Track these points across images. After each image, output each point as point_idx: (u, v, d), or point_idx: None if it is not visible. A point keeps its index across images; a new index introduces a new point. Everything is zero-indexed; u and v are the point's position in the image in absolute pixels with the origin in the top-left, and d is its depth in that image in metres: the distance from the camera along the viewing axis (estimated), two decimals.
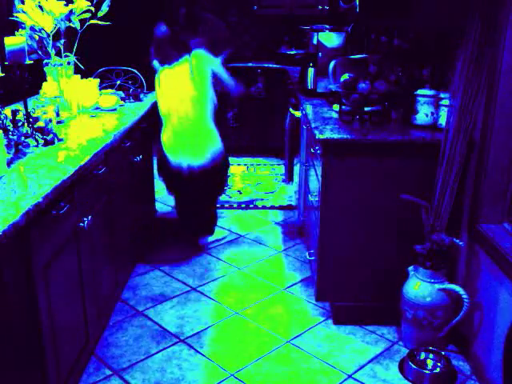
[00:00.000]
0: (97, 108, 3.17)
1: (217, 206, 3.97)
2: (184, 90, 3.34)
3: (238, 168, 5.56)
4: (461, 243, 2.41)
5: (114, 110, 3.19)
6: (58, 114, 2.74)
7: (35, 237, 1.74)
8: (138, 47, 5.75)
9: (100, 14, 3.01)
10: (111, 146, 2.55)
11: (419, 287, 2.45)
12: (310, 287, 3.14)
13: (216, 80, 3.43)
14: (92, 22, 2.99)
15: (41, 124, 2.38)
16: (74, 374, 2.20)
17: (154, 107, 3.59)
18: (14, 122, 2.29)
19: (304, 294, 3.09)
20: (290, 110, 4.28)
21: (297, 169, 4.14)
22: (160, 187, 4.66)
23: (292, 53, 5.66)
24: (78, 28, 2.98)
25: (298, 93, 3.83)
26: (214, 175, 3.52)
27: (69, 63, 3.00)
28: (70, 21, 2.94)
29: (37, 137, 2.34)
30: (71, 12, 2.92)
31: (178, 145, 3.41)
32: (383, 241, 2.65)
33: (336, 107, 2.99)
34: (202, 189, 3.56)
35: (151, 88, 4.13)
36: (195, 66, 3.32)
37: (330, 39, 3.54)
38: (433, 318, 2.45)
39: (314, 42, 3.56)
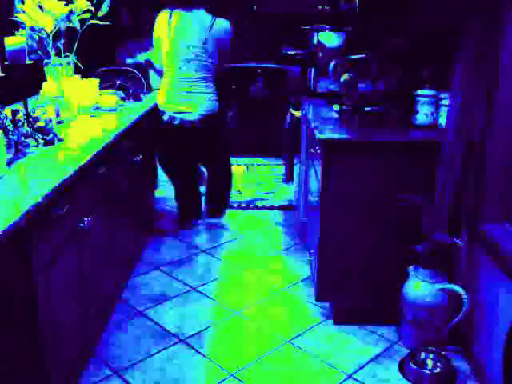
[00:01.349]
0: (97, 108, 3.17)
1: (230, 186, 4.13)
2: (191, 43, 3.52)
3: (238, 168, 5.56)
4: (461, 243, 2.41)
5: (114, 110, 3.19)
6: (58, 114, 2.74)
7: (35, 237, 1.74)
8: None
9: (100, 14, 3.01)
10: (111, 145, 2.55)
11: (419, 287, 2.45)
12: (310, 287, 3.14)
13: (219, 46, 3.60)
14: (92, 21, 2.99)
15: (41, 124, 2.38)
16: (74, 374, 2.20)
17: (155, 107, 3.59)
18: (14, 121, 2.29)
19: (304, 294, 3.09)
20: (290, 110, 4.28)
21: (297, 169, 4.14)
22: (160, 187, 4.66)
23: (292, 53, 5.66)
24: (78, 28, 2.98)
25: (299, 93, 3.83)
26: (207, 134, 3.66)
27: (69, 63, 3.00)
28: (70, 21, 2.94)
29: (37, 137, 2.34)
30: (71, 12, 2.92)
31: (173, 99, 3.57)
32: (383, 241, 2.65)
33: (336, 107, 2.99)
34: (194, 148, 3.72)
35: (151, 88, 4.13)
36: (214, 28, 3.52)
37: (330, 39, 3.55)
38: (433, 318, 2.44)
39: (314, 41, 3.56)
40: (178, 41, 3.52)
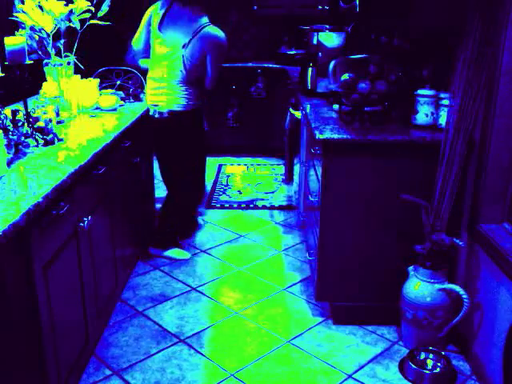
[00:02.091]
0: (97, 108, 3.17)
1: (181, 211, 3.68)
2: (171, 44, 3.26)
3: (238, 168, 5.56)
4: (461, 243, 2.41)
5: (114, 110, 3.19)
6: (58, 114, 2.74)
7: (35, 237, 1.74)
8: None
9: (100, 14, 3.01)
10: (111, 145, 2.55)
11: (419, 287, 2.45)
12: (309, 287, 3.14)
13: (202, 56, 3.27)
14: (92, 21, 2.99)
15: (41, 124, 2.38)
16: (74, 374, 2.20)
17: None
18: (14, 121, 2.29)
19: (304, 294, 3.09)
20: (290, 110, 4.28)
21: (297, 169, 4.14)
22: (160, 187, 4.66)
23: (292, 53, 5.66)
24: (78, 28, 2.98)
25: (298, 93, 3.83)
26: (170, 132, 3.37)
27: (69, 63, 3.00)
28: (70, 21, 2.94)
29: (37, 137, 2.34)
30: (71, 12, 2.92)
31: (151, 93, 3.39)
32: (383, 241, 2.65)
33: (336, 107, 2.99)
34: (160, 143, 3.46)
35: None
36: (199, 35, 3.21)
37: (330, 39, 3.55)
38: (433, 318, 2.45)
39: (314, 41, 3.56)
40: (160, 38, 3.28)
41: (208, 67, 3.29)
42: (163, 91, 3.33)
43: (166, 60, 3.30)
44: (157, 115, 3.35)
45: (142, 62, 3.90)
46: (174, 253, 3.55)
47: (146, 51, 3.47)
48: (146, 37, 3.42)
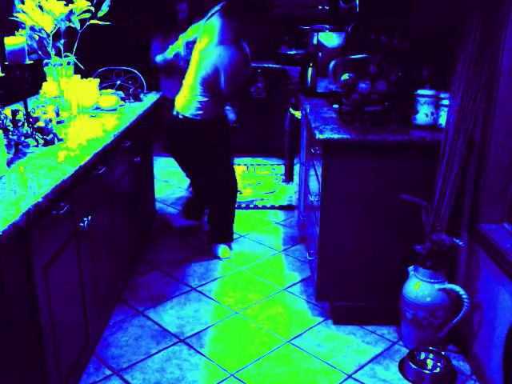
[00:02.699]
0: (97, 108, 3.17)
1: (220, 206, 3.71)
2: (199, 58, 3.39)
3: (238, 168, 5.56)
4: (461, 243, 2.41)
5: (114, 110, 3.19)
6: (57, 114, 2.74)
7: (35, 237, 1.74)
8: (137, 47, 5.77)
9: (100, 14, 3.01)
10: (111, 145, 2.55)
11: (419, 287, 2.46)
12: (309, 287, 3.14)
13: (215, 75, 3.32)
14: (92, 21, 2.99)
15: (41, 124, 2.38)
16: (74, 374, 2.20)
17: (154, 107, 3.59)
18: (14, 121, 2.29)
19: (304, 294, 3.09)
20: (290, 110, 4.28)
21: (297, 169, 4.14)
22: (160, 187, 4.67)
23: (292, 53, 5.67)
24: (78, 28, 2.98)
25: (298, 93, 3.83)
26: (186, 136, 3.52)
27: (69, 63, 2.99)
28: (70, 21, 2.94)
29: (37, 137, 2.34)
30: (71, 12, 2.92)
31: (181, 91, 3.55)
32: (383, 241, 2.65)
33: (336, 107, 2.99)
34: (178, 141, 3.63)
35: (151, 88, 4.13)
36: (218, 52, 3.28)
37: (330, 39, 3.55)
38: (433, 318, 2.45)
39: (314, 42, 3.56)
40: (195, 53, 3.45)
41: (220, 80, 3.31)
42: (183, 96, 3.45)
43: (194, 60, 3.42)
44: (174, 113, 3.50)
45: (158, 58, 3.97)
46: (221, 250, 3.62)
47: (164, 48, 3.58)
48: None
